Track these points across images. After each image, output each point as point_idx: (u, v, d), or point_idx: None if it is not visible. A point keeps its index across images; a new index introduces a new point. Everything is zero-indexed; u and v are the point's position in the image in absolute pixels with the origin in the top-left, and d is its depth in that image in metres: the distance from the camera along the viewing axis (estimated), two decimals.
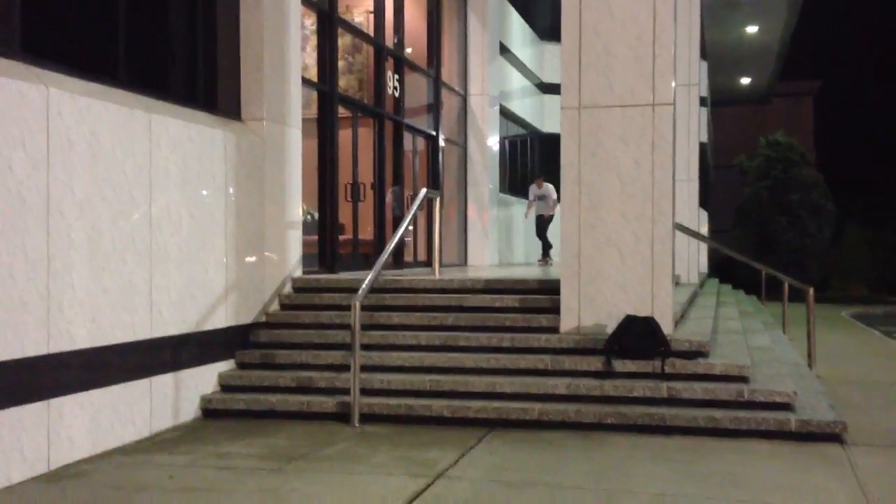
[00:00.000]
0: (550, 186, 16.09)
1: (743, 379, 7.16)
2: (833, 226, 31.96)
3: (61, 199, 5.89)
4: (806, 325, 10.50)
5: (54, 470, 5.81)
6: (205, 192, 7.59)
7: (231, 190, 7.98)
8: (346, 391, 7.31)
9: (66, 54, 6.40)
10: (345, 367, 7.59)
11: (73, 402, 6.04)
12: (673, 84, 7.80)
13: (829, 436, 6.56)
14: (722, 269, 27.64)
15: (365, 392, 7.29)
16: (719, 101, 35.96)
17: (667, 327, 7.54)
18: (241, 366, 8.11)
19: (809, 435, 6.58)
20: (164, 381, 7.07)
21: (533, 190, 16.62)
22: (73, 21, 6.70)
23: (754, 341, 9.96)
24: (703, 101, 19.32)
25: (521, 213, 18.63)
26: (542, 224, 16.67)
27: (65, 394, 5.96)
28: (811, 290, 10.76)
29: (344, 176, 11.25)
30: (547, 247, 16.57)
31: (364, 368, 7.40)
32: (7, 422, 5.46)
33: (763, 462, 6.03)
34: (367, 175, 12.19)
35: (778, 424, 6.66)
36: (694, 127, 16.00)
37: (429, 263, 13.14)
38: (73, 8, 6.71)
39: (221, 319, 7.85)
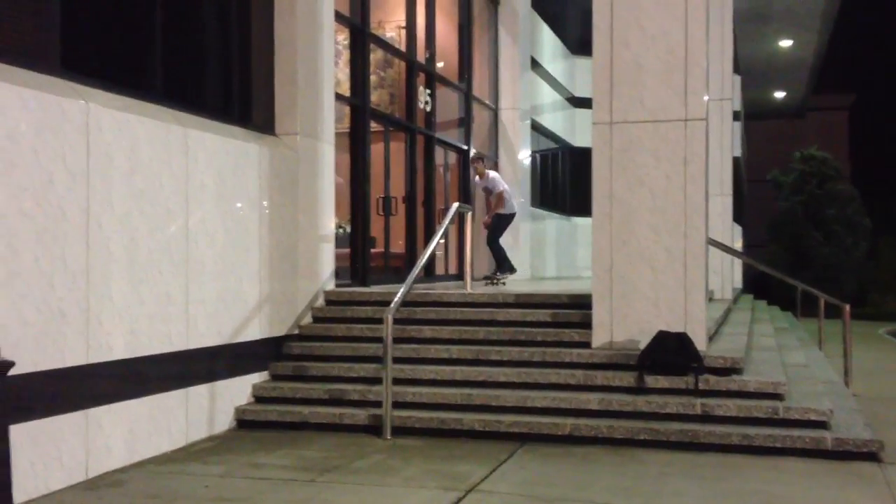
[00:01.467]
0: (495, 176, 12.76)
1: (778, 396, 7.10)
2: (869, 241, 31.60)
3: (100, 212, 6.00)
4: (842, 342, 10.39)
5: (92, 478, 5.89)
6: (239, 206, 7.68)
7: (265, 203, 8.07)
8: (378, 404, 7.34)
9: (105, 70, 6.53)
10: (377, 380, 7.63)
11: (110, 411, 6.12)
12: (705, 98, 7.78)
13: (866, 454, 6.48)
14: (756, 284, 27.39)
15: (397, 405, 7.32)
16: (753, 115, 35.73)
17: (700, 343, 7.50)
18: (275, 377, 8.17)
19: (845, 453, 6.50)
20: (199, 392, 7.15)
21: (477, 183, 13.07)
22: (111, 37, 6.83)
23: (789, 358, 9.87)
24: (736, 116, 19.23)
25: (553, 226, 18.59)
26: (492, 228, 12.68)
27: (103, 403, 6.05)
28: (847, 307, 10.64)
29: (376, 189, 11.32)
30: (499, 259, 12.72)
31: (396, 381, 7.43)
32: (47, 430, 5.55)
33: (798, 480, 5.97)
34: (398, 189, 12.26)
35: (813, 442, 6.59)
36: (727, 141, 15.91)
37: (460, 277, 13.17)
38: (111, 24, 6.84)
39: (255, 331, 7.92)
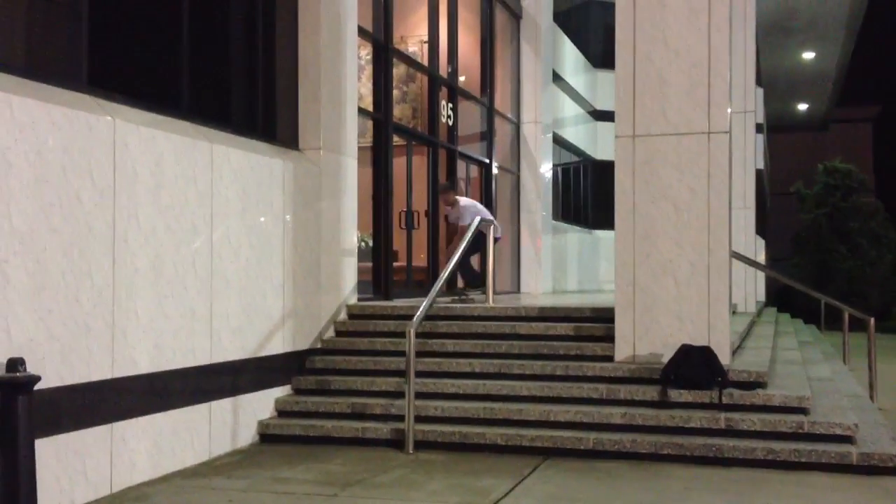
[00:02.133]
0: (466, 206, 11.27)
1: (803, 410, 7.04)
2: (894, 253, 31.30)
3: (126, 228, 6.06)
4: (867, 355, 10.30)
5: (116, 492, 5.93)
6: (263, 220, 7.73)
7: (288, 218, 8.12)
8: (400, 418, 7.34)
9: (132, 86, 6.60)
10: (399, 394, 7.63)
11: (135, 425, 6.17)
12: (728, 111, 7.77)
13: (892, 469, 6.41)
14: (780, 297, 27.21)
15: (419, 419, 7.32)
16: (776, 128, 35.57)
17: (724, 357, 7.46)
18: (298, 391, 8.20)
19: (871, 468, 6.44)
20: (223, 406, 7.18)
21: (448, 213, 11.65)
22: (137, 54, 6.91)
23: (814, 372, 9.80)
24: (759, 128, 19.17)
25: (575, 240, 18.56)
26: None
27: (128, 418, 6.09)
28: (872, 320, 10.55)
29: (398, 203, 11.36)
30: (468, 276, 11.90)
31: (419, 395, 7.44)
32: (72, 444, 5.59)
33: (823, 495, 5.92)
34: (420, 203, 12.29)
35: (839, 457, 6.53)
36: (750, 154, 15.85)
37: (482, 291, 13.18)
38: (138, 41, 6.93)
39: (279, 345, 7.96)
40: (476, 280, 11.71)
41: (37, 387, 5.03)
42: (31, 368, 5.06)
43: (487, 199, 14.52)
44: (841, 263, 30.31)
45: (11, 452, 4.87)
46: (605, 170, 18.13)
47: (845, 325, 13.34)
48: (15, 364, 4.94)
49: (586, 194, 20.26)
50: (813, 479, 6.33)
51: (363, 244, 10.52)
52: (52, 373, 5.38)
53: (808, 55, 26.94)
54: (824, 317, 19.22)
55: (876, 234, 30.69)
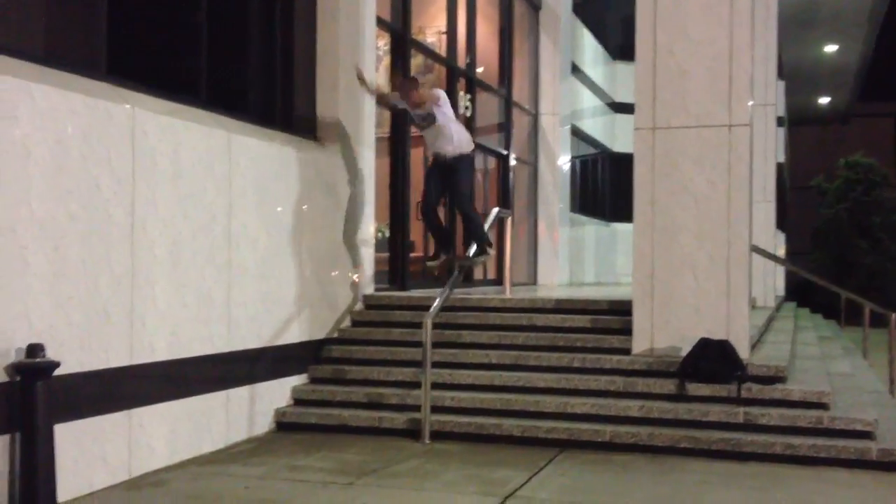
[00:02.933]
0: (438, 95, 8.50)
1: (822, 405, 6.99)
2: None
3: (145, 216, 6.07)
4: (888, 350, 10.21)
5: (134, 478, 5.96)
6: (280, 210, 7.74)
7: (305, 207, 8.12)
8: (416, 408, 7.34)
9: (150, 75, 6.61)
10: (415, 384, 7.63)
11: (153, 412, 6.20)
12: (750, 104, 7.70)
13: None
14: (799, 292, 27.02)
15: (435, 409, 7.32)
16: (797, 121, 35.31)
17: (743, 351, 7.41)
18: (314, 380, 8.21)
19: (891, 464, 6.37)
20: (239, 394, 7.21)
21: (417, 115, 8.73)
22: (156, 42, 6.93)
23: (834, 367, 9.72)
24: (780, 122, 19.03)
25: (592, 232, 18.50)
26: (440, 176, 8.82)
27: (145, 404, 6.12)
28: (894, 316, 10.46)
29: (415, 194, 11.34)
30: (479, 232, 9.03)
31: (435, 386, 7.43)
32: (91, 430, 5.62)
33: (842, 491, 5.87)
34: None
35: (858, 453, 6.48)
36: (771, 147, 15.73)
37: (499, 282, 13.16)
38: (157, 29, 6.94)
39: (295, 334, 7.97)
40: (485, 235, 9.09)
41: (56, 372, 5.06)
42: (51, 354, 5.09)
43: (505, 191, 14.48)
44: (862, 258, 30.08)
45: (31, 437, 4.91)
46: (623, 162, 18.03)
47: (866, 320, 13.25)
48: (35, 350, 4.98)
49: (604, 187, 20.17)
50: (832, 474, 6.29)
51: (380, 234, 10.52)
52: (72, 359, 5.40)
53: (831, 48, 26.69)
54: (844, 312, 19.07)
55: None
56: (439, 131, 8.52)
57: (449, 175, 8.71)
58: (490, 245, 9.08)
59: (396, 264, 10.56)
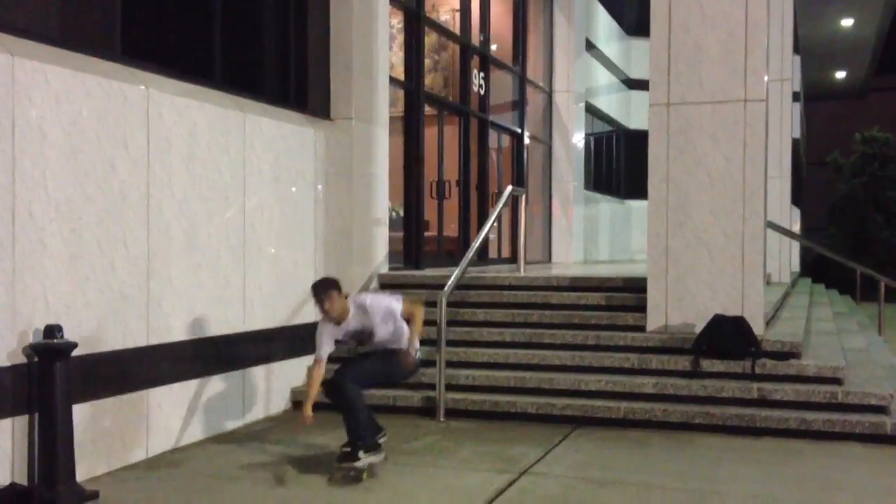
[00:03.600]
0: (371, 305, 5.77)
1: (837, 381, 6.99)
2: None
3: (160, 197, 6.11)
4: None
5: (152, 457, 6.03)
6: (295, 190, 7.76)
7: (320, 188, 8.14)
8: (431, 386, 7.38)
9: (165, 56, 6.63)
10: (430, 363, 7.66)
11: (170, 392, 6.26)
12: (765, 79, 7.65)
13: None
14: (815, 268, 26.90)
15: (450, 388, 7.36)
16: (813, 96, 34.99)
17: (757, 327, 7.40)
18: (330, 360, 8.23)
19: None
20: (256, 374, 7.26)
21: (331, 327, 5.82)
22: (170, 23, 6.93)
23: (848, 342, 9.70)
24: (795, 96, 18.86)
25: (607, 210, 18.46)
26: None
27: (163, 384, 6.18)
28: None
29: (429, 173, 11.34)
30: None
31: (449, 364, 7.47)
32: (109, 410, 5.69)
33: (856, 466, 5.88)
34: (452, 172, 12.26)
35: (873, 427, 6.49)
36: (786, 123, 15.63)
37: (513, 260, 13.18)
38: (171, 11, 6.94)
39: (310, 314, 8.00)
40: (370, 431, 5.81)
41: (74, 353, 5.11)
42: (68, 335, 5.13)
43: (519, 170, 14.46)
44: (878, 233, 29.88)
45: (49, 417, 4.96)
46: (638, 139, 17.94)
47: (881, 296, 13.19)
48: (52, 330, 5.02)
49: (619, 164, 20.09)
50: (846, 448, 6.30)
51: (394, 214, 10.54)
52: (89, 340, 5.46)
53: (847, 22, 26.37)
54: (860, 287, 18.98)
55: None
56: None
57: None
58: (372, 448, 5.60)
59: (411, 244, 10.58)
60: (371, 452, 5.59)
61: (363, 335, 5.78)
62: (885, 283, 12.53)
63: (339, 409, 5.68)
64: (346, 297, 5.68)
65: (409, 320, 5.80)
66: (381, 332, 5.73)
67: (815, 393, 6.85)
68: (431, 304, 7.64)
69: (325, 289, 5.60)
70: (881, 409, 6.69)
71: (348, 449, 5.58)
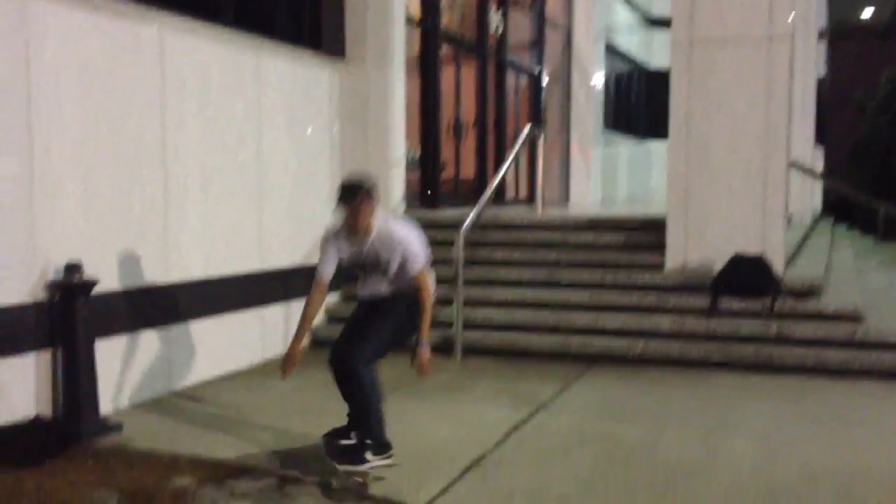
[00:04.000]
0: (404, 239, 4.58)
1: (856, 319, 6.96)
2: None
3: (175, 137, 6.10)
4: None
5: (175, 392, 6.12)
6: (310, 131, 7.73)
7: (335, 129, 8.10)
8: (448, 325, 7.41)
9: None
10: (447, 302, 7.67)
11: (190, 329, 6.32)
12: (790, 17, 7.48)
13: None
14: (837, 208, 26.63)
15: (467, 326, 7.39)
16: (838, 35, 34.30)
17: (777, 267, 7.36)
18: (346, 298, 8.30)
19: None
20: (274, 312, 7.32)
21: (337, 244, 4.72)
22: None
23: (869, 282, 9.64)
24: (820, 35, 18.50)
25: (626, 150, 18.30)
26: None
27: (183, 321, 6.24)
28: None
29: (446, 114, 11.26)
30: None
31: (466, 303, 7.49)
32: (131, 346, 5.76)
33: (874, 403, 5.88)
34: (469, 113, 12.17)
35: (891, 365, 6.48)
36: (811, 62, 15.36)
37: (530, 201, 13.11)
38: None
39: None
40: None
41: (95, 291, 5.16)
42: (89, 273, 5.17)
43: (536, 110, 14.32)
44: None
45: (72, 352, 5.04)
46: (658, 79, 17.69)
47: None
48: (72, 269, 5.07)
49: (639, 104, 19.86)
50: (863, 386, 6.30)
51: (411, 155, 10.49)
52: (109, 277, 5.50)
53: None
54: (882, 226, 18.78)
55: None
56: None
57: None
58: (383, 449, 4.46)
59: (427, 184, 10.55)
60: (382, 455, 4.40)
61: (370, 266, 4.60)
62: None
63: (343, 392, 4.64)
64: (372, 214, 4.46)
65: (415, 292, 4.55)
66: (391, 273, 4.57)
67: (834, 331, 6.83)
68: (448, 244, 7.64)
69: (355, 194, 4.39)
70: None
71: (350, 442, 4.49)
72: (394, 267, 4.56)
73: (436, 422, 5.42)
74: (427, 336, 4.67)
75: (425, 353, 4.68)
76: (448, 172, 11.62)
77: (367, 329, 4.58)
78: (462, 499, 4.13)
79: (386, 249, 4.52)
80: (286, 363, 4.61)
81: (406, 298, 4.64)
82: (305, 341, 7.73)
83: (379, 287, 4.69)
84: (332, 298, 8.18)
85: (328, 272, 4.68)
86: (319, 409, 5.64)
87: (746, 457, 4.71)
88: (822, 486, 4.26)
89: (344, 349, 4.58)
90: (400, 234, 4.54)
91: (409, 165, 9.94)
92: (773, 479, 4.35)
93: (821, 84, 22.20)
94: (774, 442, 4.97)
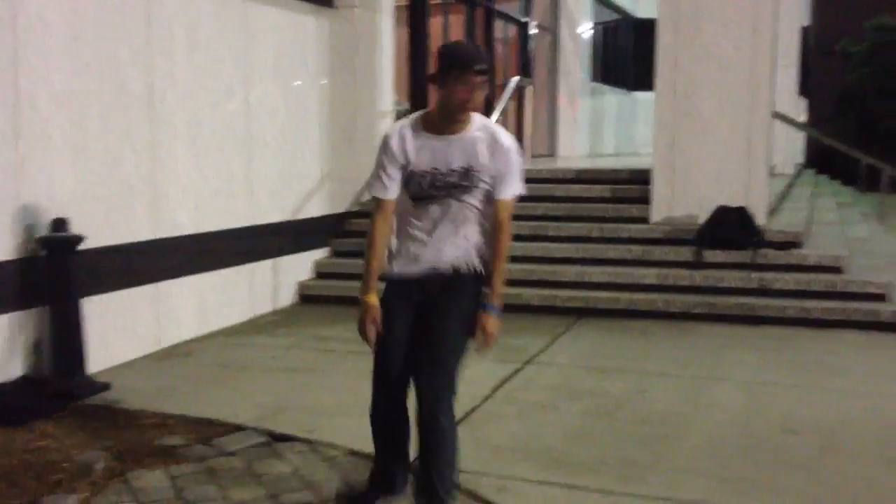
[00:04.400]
0: (509, 147, 3.26)
1: (837, 270, 7.07)
2: None
3: (163, 88, 6.06)
4: None
5: (164, 348, 6.16)
6: (299, 82, 7.69)
7: (323, 79, 8.06)
8: None
9: None
10: None
11: (180, 285, 6.34)
12: None
13: None
14: (820, 159, 26.73)
15: None
16: None
17: (760, 218, 7.44)
18: (336, 254, 8.33)
19: None
20: (264, 267, 7.35)
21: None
22: None
23: (850, 232, 9.75)
24: None
25: (613, 102, 18.23)
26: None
27: (172, 277, 6.26)
28: None
29: (434, 64, 11.17)
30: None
31: None
32: (119, 302, 5.78)
33: (853, 351, 6.01)
34: None
35: (871, 315, 6.60)
36: (796, 9, 15.30)
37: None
38: None
39: (316, 208, 8.05)
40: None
41: (82, 247, 5.15)
42: (76, 229, 5.16)
43: (524, 60, 14.23)
44: (884, 123, 29.53)
45: (59, 310, 5.04)
46: (646, 29, 17.58)
47: (883, 185, 13.14)
48: (59, 224, 5.06)
49: (626, 55, 19.74)
50: (844, 335, 6.42)
51: (398, 106, 10.45)
52: (97, 233, 5.49)
53: None
54: (864, 177, 18.88)
55: None
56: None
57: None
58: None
59: None
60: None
61: (443, 190, 3.17)
62: (889, 174, 12.47)
63: (397, 443, 3.43)
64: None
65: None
66: (475, 203, 3.23)
67: (816, 282, 6.94)
68: None
69: (486, 61, 3.10)
70: (880, 297, 6.78)
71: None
72: (481, 189, 3.17)
73: None
74: (500, 296, 3.30)
75: (494, 321, 3.26)
76: None
77: (436, 346, 3.21)
78: None
79: (482, 154, 3.14)
80: (368, 324, 3.32)
81: (474, 272, 3.27)
82: (296, 299, 7.79)
83: (442, 244, 3.22)
84: (321, 255, 8.20)
85: (393, 192, 3.22)
86: (308, 368, 5.70)
87: (731, 406, 4.82)
88: (804, 433, 4.37)
89: (425, 397, 3.18)
90: (505, 137, 3.22)
91: (399, 118, 9.90)
92: (757, 427, 4.47)
93: (806, 33, 22.11)
94: (758, 392, 5.09)
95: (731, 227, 7.30)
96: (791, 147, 15.16)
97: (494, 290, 3.30)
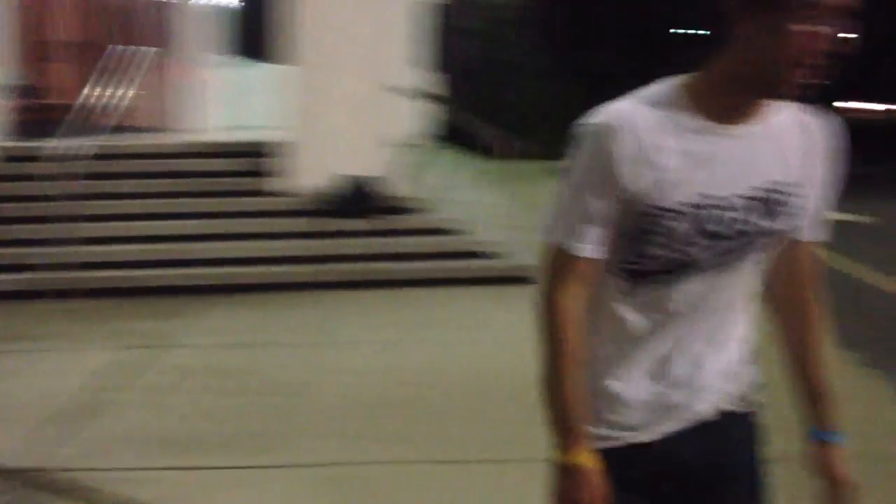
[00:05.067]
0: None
1: (455, 232, 7.56)
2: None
3: None
4: (524, 182, 11.05)
5: None
6: None
7: None
8: (47, 267, 6.90)
9: None
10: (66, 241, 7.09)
11: None
12: None
13: (526, 278, 7.00)
14: (454, 130, 28.26)
15: (83, 266, 6.99)
16: None
17: (388, 188, 7.69)
18: None
19: (510, 279, 7.00)
20: None
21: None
22: None
23: (472, 196, 10.45)
24: None
25: (239, 73, 17.92)
26: None
27: None
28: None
29: (51, 33, 10.27)
30: None
31: (87, 241, 7.14)
32: None
33: (462, 304, 6.53)
34: (66, 30, 11.18)
35: (483, 271, 7.18)
36: None
37: (145, 130, 12.46)
38: None
39: None
40: None
41: None
42: None
43: (159, 32, 13.52)
44: (504, 95, 31.75)
45: None
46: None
47: (503, 153, 14.15)
48: None
49: (257, 26, 19.49)
50: (460, 291, 6.93)
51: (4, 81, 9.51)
52: None
53: None
54: (491, 148, 20.30)
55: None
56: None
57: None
58: None
59: (26, 111, 9.64)
60: None
61: (739, 235, 1.54)
62: (513, 143, 13.47)
63: None
64: None
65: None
66: (752, 266, 1.62)
67: (436, 244, 7.43)
68: (46, 178, 7.03)
69: None
70: (491, 255, 7.37)
71: None
72: (778, 242, 1.62)
73: (42, 375, 5.09)
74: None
75: (843, 460, 1.72)
76: (53, 99, 10.65)
77: None
78: (48, 454, 3.91)
79: (794, 158, 1.58)
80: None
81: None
82: None
83: (703, 362, 1.62)
84: None
85: (601, 245, 1.56)
86: None
87: (360, 369, 5.02)
88: (437, 387, 4.62)
89: None
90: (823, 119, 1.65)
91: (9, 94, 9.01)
92: (389, 386, 4.68)
93: (448, 11, 23.16)
94: (388, 351, 5.35)
95: (352, 196, 7.51)
96: (427, 121, 15.83)
97: (829, 410, 1.72)
